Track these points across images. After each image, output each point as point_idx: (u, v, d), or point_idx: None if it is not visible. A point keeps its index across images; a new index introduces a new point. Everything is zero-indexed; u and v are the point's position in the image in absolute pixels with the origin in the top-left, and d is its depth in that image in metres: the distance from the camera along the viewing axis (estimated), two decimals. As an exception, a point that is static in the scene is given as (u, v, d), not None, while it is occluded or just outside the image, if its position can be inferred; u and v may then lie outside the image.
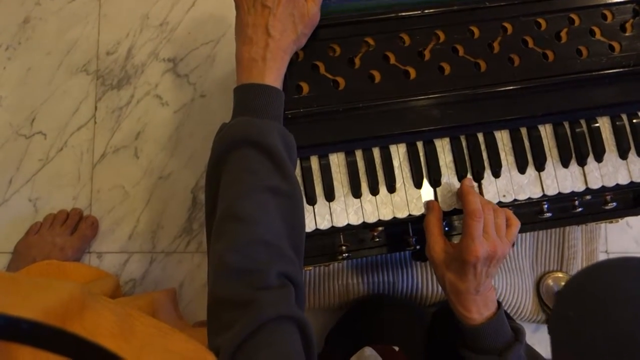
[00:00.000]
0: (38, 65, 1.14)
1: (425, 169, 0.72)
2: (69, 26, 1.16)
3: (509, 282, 1.02)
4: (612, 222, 0.83)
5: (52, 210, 1.09)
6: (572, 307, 0.47)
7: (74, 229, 1.07)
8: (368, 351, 0.73)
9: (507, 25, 0.73)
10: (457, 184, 0.72)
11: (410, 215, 0.71)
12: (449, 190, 0.72)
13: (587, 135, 0.73)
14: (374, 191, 0.71)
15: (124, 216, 1.10)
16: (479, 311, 0.67)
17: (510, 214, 0.70)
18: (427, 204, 0.71)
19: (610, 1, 0.74)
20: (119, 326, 0.62)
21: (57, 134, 1.12)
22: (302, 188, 0.69)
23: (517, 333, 0.68)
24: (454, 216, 0.75)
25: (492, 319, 0.67)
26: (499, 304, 0.69)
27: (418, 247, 0.76)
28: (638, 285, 0.44)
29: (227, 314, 0.53)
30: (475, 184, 0.72)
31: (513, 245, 0.74)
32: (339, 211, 0.71)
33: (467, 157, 0.72)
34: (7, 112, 1.12)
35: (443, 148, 0.72)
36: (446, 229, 0.75)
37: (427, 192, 0.72)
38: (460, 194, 0.70)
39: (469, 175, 0.72)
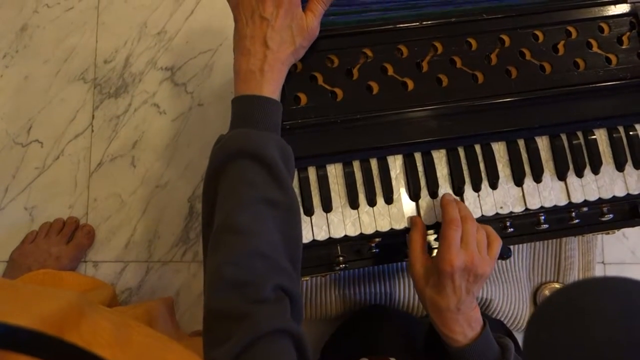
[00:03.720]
0: (35, 73, 1.14)
1: (423, 181, 0.72)
2: (67, 34, 1.16)
3: (506, 292, 1.02)
4: (608, 233, 0.83)
5: (48, 218, 1.09)
6: (545, 330, 0.46)
7: (70, 238, 1.07)
8: (365, 363, 0.73)
9: (505, 37, 0.74)
10: (453, 196, 0.72)
11: (407, 226, 0.71)
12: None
13: (584, 147, 0.74)
14: (372, 202, 0.71)
15: (120, 225, 1.10)
16: (462, 332, 0.65)
17: (491, 231, 0.68)
18: (411, 220, 0.71)
19: (607, 14, 0.75)
20: (116, 336, 0.62)
21: (53, 143, 1.12)
22: (299, 199, 0.69)
23: (504, 350, 0.67)
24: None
25: (477, 340, 0.65)
26: (485, 322, 0.68)
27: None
28: (614, 306, 0.43)
29: (222, 327, 0.53)
30: (476, 194, 0.72)
31: (506, 258, 0.73)
32: (336, 222, 0.71)
33: (464, 169, 0.72)
34: (3, 120, 1.12)
35: (440, 159, 0.72)
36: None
37: (425, 203, 0.72)
38: (440, 205, 0.69)
39: (467, 187, 0.72)
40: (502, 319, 1.02)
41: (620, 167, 0.74)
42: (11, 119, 1.12)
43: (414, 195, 0.72)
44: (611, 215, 0.75)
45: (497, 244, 0.68)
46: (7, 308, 0.56)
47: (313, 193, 0.71)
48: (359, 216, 0.71)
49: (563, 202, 0.73)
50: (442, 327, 0.66)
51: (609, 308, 0.43)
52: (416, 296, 0.99)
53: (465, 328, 0.65)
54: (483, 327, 0.67)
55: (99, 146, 1.12)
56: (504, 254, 0.75)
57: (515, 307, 1.02)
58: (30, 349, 0.36)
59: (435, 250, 0.73)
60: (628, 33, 0.74)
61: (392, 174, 0.72)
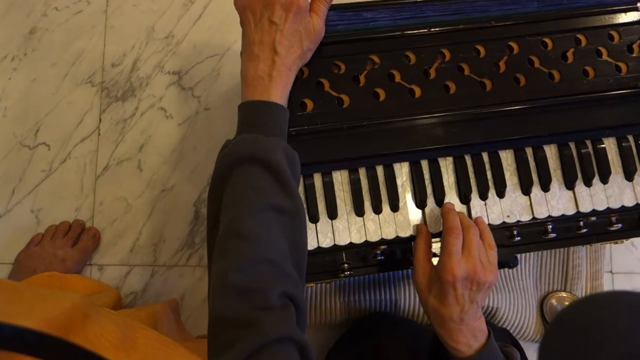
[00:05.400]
0: (43, 76, 1.14)
1: (429, 188, 0.71)
2: (75, 37, 1.16)
3: (512, 301, 1.01)
4: (617, 242, 0.82)
5: (54, 221, 1.09)
6: (560, 343, 0.46)
7: (75, 241, 1.07)
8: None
9: (513, 44, 0.73)
10: (459, 205, 0.72)
11: (413, 234, 0.71)
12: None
13: (592, 156, 0.73)
14: (377, 210, 0.71)
15: (125, 229, 1.10)
16: (467, 342, 0.65)
17: (486, 236, 0.68)
18: (416, 228, 0.71)
19: (617, 22, 0.74)
20: (121, 338, 0.62)
21: (60, 145, 1.12)
22: (304, 205, 0.69)
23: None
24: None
25: (481, 351, 0.65)
26: (489, 333, 0.67)
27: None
28: (627, 320, 0.43)
29: (227, 334, 0.53)
30: (483, 202, 0.72)
31: (512, 267, 0.72)
32: (341, 229, 0.70)
33: (471, 177, 0.72)
34: (11, 123, 1.13)
35: (447, 167, 0.72)
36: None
37: (431, 211, 0.71)
38: (441, 214, 0.69)
39: (474, 195, 0.72)
40: (508, 328, 1.02)
41: (629, 176, 0.73)
42: (19, 121, 1.13)
43: (420, 203, 0.71)
44: (620, 225, 0.74)
45: (492, 251, 0.67)
46: (13, 310, 0.56)
47: (318, 200, 0.70)
48: (364, 223, 0.71)
49: (571, 211, 0.72)
50: (446, 338, 0.66)
51: (622, 322, 0.42)
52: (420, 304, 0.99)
53: (469, 339, 0.65)
54: (488, 337, 0.66)
55: (105, 149, 1.12)
56: (511, 263, 0.74)
57: (521, 316, 1.02)
58: (36, 351, 0.36)
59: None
60: (638, 41, 0.74)
61: (398, 182, 0.71)
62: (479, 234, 0.66)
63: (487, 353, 0.65)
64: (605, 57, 0.73)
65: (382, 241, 0.71)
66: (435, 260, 0.70)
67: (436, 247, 0.72)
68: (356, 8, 0.73)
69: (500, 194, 0.72)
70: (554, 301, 1.04)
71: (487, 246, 0.67)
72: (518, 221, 0.72)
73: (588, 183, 0.73)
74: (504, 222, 0.72)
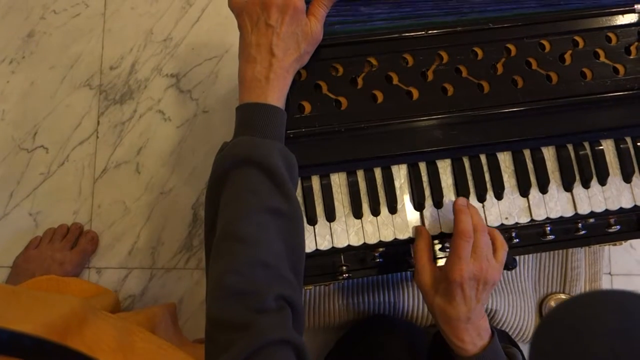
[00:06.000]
0: (41, 79, 1.14)
1: (427, 190, 0.71)
2: (73, 40, 1.16)
3: (511, 303, 1.01)
4: (615, 244, 0.82)
5: (52, 224, 1.09)
6: (550, 341, 0.46)
7: (73, 244, 1.07)
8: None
9: (511, 46, 0.73)
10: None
11: (411, 236, 0.71)
12: (450, 212, 0.71)
13: (590, 158, 0.73)
14: (375, 212, 0.71)
15: (124, 231, 1.10)
16: (472, 341, 0.65)
17: (497, 236, 0.69)
18: (416, 229, 0.71)
19: (615, 24, 0.74)
20: (119, 342, 0.62)
21: (59, 148, 1.12)
22: (302, 208, 0.69)
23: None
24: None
25: (486, 350, 0.65)
26: (493, 332, 0.68)
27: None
28: (616, 318, 0.43)
29: (223, 336, 0.53)
30: (481, 204, 0.72)
31: (511, 269, 0.72)
32: (339, 232, 0.70)
33: (469, 179, 0.72)
34: (9, 126, 1.12)
35: (445, 169, 0.72)
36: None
37: (429, 213, 0.71)
38: (453, 211, 0.69)
39: (472, 197, 0.72)
40: (507, 330, 1.01)
41: (627, 178, 0.73)
42: (17, 124, 1.13)
43: (418, 205, 0.71)
44: (618, 227, 0.74)
45: (503, 251, 0.68)
46: (11, 314, 0.56)
47: (316, 202, 0.70)
48: (362, 226, 0.70)
49: (569, 213, 0.72)
50: (452, 337, 0.66)
51: (611, 321, 0.42)
52: (420, 306, 0.98)
53: (474, 337, 0.66)
54: (491, 336, 0.67)
55: (103, 152, 1.12)
56: (510, 265, 0.74)
57: (520, 318, 1.01)
58: (33, 356, 0.36)
59: (441, 260, 0.73)
60: (636, 43, 0.74)
61: (396, 184, 0.71)
62: (487, 234, 0.67)
63: (491, 351, 0.66)
64: (602, 59, 0.73)
65: (381, 243, 0.71)
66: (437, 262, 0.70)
67: (436, 248, 0.72)
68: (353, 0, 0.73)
69: (499, 195, 0.72)
70: (552, 303, 1.04)
71: (499, 245, 0.68)
72: (516, 223, 0.72)
73: (586, 185, 0.73)
74: (502, 224, 0.72)
